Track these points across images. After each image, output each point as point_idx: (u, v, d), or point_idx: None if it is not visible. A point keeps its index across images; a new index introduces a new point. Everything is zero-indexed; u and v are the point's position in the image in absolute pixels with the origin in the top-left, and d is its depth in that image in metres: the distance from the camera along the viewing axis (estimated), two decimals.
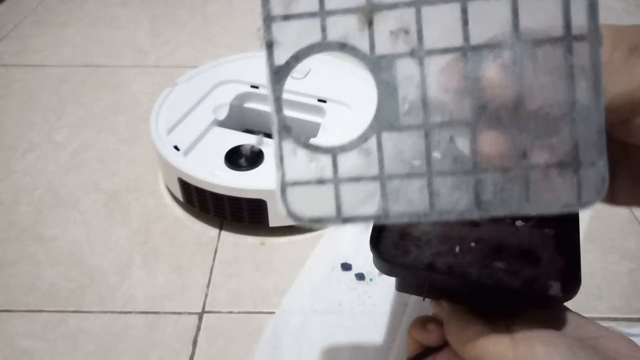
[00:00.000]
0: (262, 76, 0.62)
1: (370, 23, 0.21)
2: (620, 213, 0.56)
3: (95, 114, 0.70)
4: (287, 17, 0.21)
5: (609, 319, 0.45)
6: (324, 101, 0.59)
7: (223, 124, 0.58)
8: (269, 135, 0.58)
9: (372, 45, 0.21)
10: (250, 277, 0.49)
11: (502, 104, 0.20)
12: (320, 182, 0.23)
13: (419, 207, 0.22)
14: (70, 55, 0.83)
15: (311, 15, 0.21)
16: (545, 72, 0.20)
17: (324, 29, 0.21)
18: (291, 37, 0.22)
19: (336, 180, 0.23)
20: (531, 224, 0.32)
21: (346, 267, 0.49)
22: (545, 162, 0.20)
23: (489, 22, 0.20)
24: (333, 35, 0.21)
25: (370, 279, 0.48)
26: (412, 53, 0.21)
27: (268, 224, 0.52)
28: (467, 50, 0.20)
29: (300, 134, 0.24)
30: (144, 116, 0.69)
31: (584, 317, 0.28)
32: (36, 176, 0.60)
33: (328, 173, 0.23)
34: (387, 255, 0.31)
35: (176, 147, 0.53)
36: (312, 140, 0.54)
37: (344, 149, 0.23)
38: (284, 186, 0.24)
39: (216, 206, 0.51)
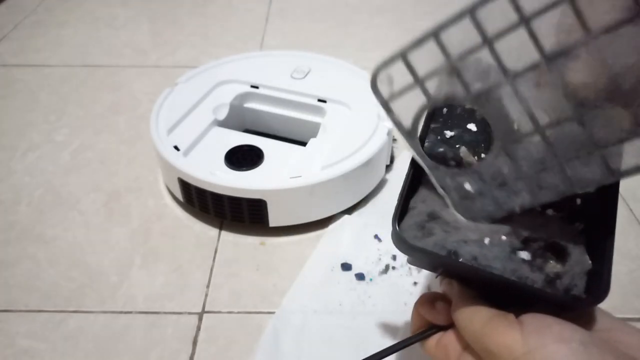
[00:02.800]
0: (262, 76, 0.62)
1: (457, 74, 0.26)
2: (621, 213, 0.55)
3: (95, 114, 0.70)
4: (395, 96, 0.28)
5: None
6: (324, 101, 0.59)
7: (223, 124, 0.58)
8: (268, 136, 0.58)
9: (466, 89, 0.26)
10: (250, 277, 0.49)
11: (598, 95, 0.23)
12: (480, 194, 0.30)
13: (561, 188, 0.27)
14: (70, 55, 0.83)
15: (411, 86, 0.27)
16: (627, 52, 0.22)
17: (426, 93, 0.27)
18: (406, 106, 0.28)
19: (491, 189, 0.29)
20: (562, 215, 0.31)
21: (346, 267, 0.49)
22: None
23: (556, 30, 0.23)
24: (434, 93, 0.27)
25: (370, 279, 0.48)
26: (500, 83, 0.25)
27: (268, 224, 0.52)
28: (547, 62, 0.24)
29: (446, 167, 0.30)
30: (144, 116, 0.69)
31: (598, 308, 0.26)
32: (36, 176, 0.60)
33: (481, 184, 0.29)
34: (408, 235, 0.30)
35: (176, 147, 0.53)
36: (312, 141, 0.54)
37: (483, 166, 0.29)
38: (456, 203, 0.30)
39: (216, 206, 0.51)
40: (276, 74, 0.63)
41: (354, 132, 0.54)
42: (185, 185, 0.52)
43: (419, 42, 0.26)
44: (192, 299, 0.47)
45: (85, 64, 0.81)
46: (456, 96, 0.26)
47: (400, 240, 0.29)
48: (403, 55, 0.26)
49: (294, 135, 0.60)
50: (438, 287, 0.33)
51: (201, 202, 0.52)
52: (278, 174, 0.51)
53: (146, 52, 0.84)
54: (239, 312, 0.46)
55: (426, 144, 0.34)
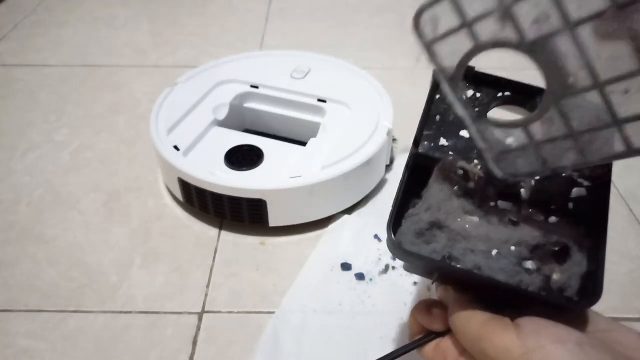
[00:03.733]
0: (262, 76, 0.62)
1: (510, 18, 0.23)
2: (621, 213, 0.56)
3: (95, 114, 0.70)
4: (440, 38, 0.25)
5: None
6: (324, 101, 0.59)
7: (223, 124, 0.58)
8: (268, 136, 0.58)
9: (521, 35, 0.24)
10: (250, 277, 0.49)
11: None
12: (524, 149, 0.28)
13: (616, 150, 0.25)
14: (70, 55, 0.83)
15: (458, 29, 0.25)
16: None
17: (475, 36, 0.25)
18: (450, 51, 0.26)
19: (534, 145, 0.27)
20: (566, 220, 0.31)
21: (346, 267, 0.49)
22: None
23: None
24: (483, 37, 0.25)
25: (370, 279, 0.48)
26: (561, 30, 0.23)
27: (268, 224, 0.52)
28: (616, 9, 0.21)
29: (491, 119, 0.28)
30: (144, 116, 0.69)
31: (593, 310, 0.27)
32: (36, 176, 0.60)
33: (527, 140, 0.27)
34: (404, 241, 0.30)
35: (176, 147, 0.53)
36: (312, 141, 0.54)
37: (530, 120, 0.27)
38: (495, 158, 0.29)
39: (216, 206, 0.51)
40: (276, 74, 0.63)
41: (354, 132, 0.54)
42: (185, 185, 0.52)
43: None
44: (192, 299, 0.47)
45: (85, 64, 0.81)
46: (508, 42, 0.24)
47: (395, 246, 0.30)
48: None
49: (294, 135, 0.60)
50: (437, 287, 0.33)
51: (201, 202, 0.52)
52: (278, 174, 0.51)
53: (146, 52, 0.84)
54: (239, 312, 0.46)
55: (420, 150, 0.34)
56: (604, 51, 0.23)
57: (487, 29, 0.24)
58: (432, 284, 0.32)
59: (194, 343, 0.43)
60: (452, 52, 0.26)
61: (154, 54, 0.84)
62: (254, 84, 0.62)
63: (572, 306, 0.27)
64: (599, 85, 0.24)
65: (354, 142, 0.53)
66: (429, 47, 0.26)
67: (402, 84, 0.75)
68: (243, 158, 0.53)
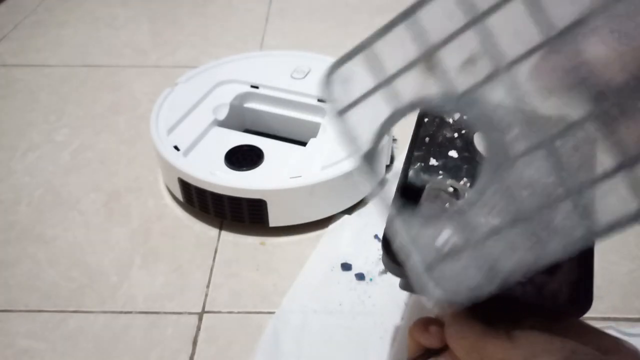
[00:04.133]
0: (262, 76, 0.62)
1: (434, 68, 0.19)
2: None
3: (95, 114, 0.70)
4: (355, 102, 0.20)
5: (608, 319, 0.45)
6: (324, 101, 0.59)
7: (223, 124, 0.58)
8: (268, 136, 0.58)
9: (450, 86, 0.19)
10: (250, 277, 0.49)
11: (624, 79, 0.16)
12: (462, 251, 0.21)
13: (578, 233, 0.19)
14: (70, 55, 0.83)
15: (375, 88, 0.19)
16: None
17: (392, 97, 0.19)
18: (367, 117, 0.20)
19: (477, 243, 0.21)
20: None
21: (346, 267, 0.49)
22: None
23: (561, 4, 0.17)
24: (406, 96, 0.19)
25: (370, 279, 0.48)
26: (493, 74, 0.18)
27: (268, 224, 0.52)
28: (554, 39, 0.17)
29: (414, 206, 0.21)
30: (144, 116, 0.69)
31: (586, 323, 0.27)
32: (36, 176, 0.60)
33: (466, 234, 0.20)
34: (399, 257, 0.31)
35: (176, 147, 0.53)
36: (312, 141, 0.54)
37: (468, 203, 0.20)
38: (430, 267, 0.21)
39: (216, 206, 0.51)
40: (276, 74, 0.63)
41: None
42: (185, 185, 0.52)
43: (387, 28, 0.19)
44: (192, 299, 0.47)
45: (85, 64, 0.81)
46: (432, 100, 0.19)
47: (391, 261, 0.30)
48: (363, 47, 0.19)
49: (294, 135, 0.60)
50: None
51: (201, 202, 0.52)
52: (278, 174, 0.51)
53: (146, 52, 0.84)
54: (239, 312, 0.46)
55: (410, 173, 0.35)
56: (545, 91, 0.18)
57: (408, 87, 0.19)
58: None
59: (194, 343, 0.43)
60: (366, 119, 0.20)
61: (154, 54, 0.84)
62: (254, 84, 0.62)
63: (567, 310, 0.28)
64: (545, 139, 0.18)
65: None
66: (341, 112, 0.21)
67: None
68: (243, 158, 0.53)
